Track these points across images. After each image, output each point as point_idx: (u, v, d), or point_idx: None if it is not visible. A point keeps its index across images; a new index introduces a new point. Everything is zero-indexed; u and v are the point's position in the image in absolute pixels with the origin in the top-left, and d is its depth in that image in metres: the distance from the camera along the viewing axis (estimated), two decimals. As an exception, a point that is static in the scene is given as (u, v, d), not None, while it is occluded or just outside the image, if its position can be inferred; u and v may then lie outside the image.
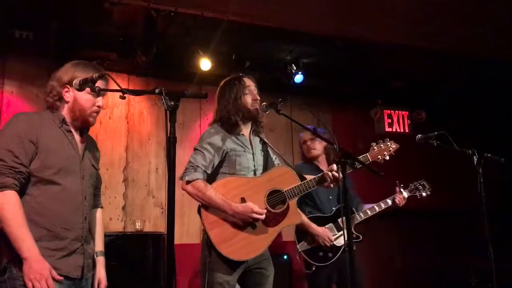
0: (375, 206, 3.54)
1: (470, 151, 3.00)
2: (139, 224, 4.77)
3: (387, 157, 2.92)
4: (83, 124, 2.24)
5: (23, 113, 2.21)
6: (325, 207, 3.55)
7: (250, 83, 2.90)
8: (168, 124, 1.77)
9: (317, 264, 3.37)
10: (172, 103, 1.79)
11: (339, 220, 3.48)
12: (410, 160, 5.04)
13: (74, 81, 2.06)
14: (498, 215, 4.12)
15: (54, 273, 1.99)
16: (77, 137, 2.24)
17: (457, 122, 5.71)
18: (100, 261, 2.33)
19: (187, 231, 5.16)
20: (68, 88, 2.18)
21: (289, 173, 2.82)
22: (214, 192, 2.63)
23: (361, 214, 3.52)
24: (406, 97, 6.33)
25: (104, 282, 2.30)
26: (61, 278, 2.01)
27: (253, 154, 2.86)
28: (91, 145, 2.36)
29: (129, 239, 4.51)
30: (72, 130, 2.22)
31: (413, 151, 4.52)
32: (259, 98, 2.86)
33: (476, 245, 3.38)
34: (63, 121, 2.18)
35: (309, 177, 2.87)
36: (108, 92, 2.18)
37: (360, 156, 2.80)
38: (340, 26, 4.50)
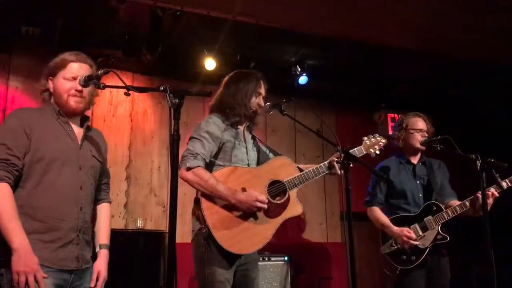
0: (456, 207, 3.24)
1: (473, 156, 2.96)
2: (140, 222, 4.78)
3: (378, 151, 2.89)
4: (67, 109, 2.21)
5: (19, 109, 2.25)
6: (412, 205, 3.32)
7: (263, 90, 2.85)
8: (172, 121, 1.77)
9: (400, 267, 3.18)
10: (177, 101, 1.79)
11: (425, 219, 3.24)
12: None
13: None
14: (501, 221, 4.10)
15: (42, 272, 1.95)
16: (76, 128, 2.26)
17: (461, 126, 5.68)
18: (102, 254, 2.29)
19: (189, 230, 5.13)
20: (48, 80, 2.25)
21: (288, 164, 2.78)
22: (216, 181, 2.51)
23: (448, 212, 3.24)
24: (410, 101, 6.30)
25: (103, 274, 2.23)
26: (46, 276, 1.96)
27: (246, 148, 2.79)
28: (94, 137, 2.34)
29: (130, 236, 4.51)
30: (70, 121, 2.23)
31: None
32: (263, 105, 2.83)
33: (478, 251, 3.36)
34: (59, 112, 2.20)
35: (306, 167, 2.80)
36: (113, 91, 2.20)
37: (355, 148, 2.83)
38: (345, 29, 4.50)
